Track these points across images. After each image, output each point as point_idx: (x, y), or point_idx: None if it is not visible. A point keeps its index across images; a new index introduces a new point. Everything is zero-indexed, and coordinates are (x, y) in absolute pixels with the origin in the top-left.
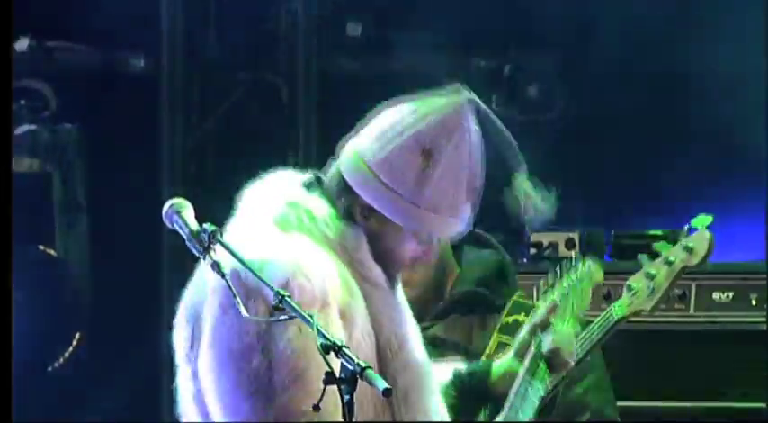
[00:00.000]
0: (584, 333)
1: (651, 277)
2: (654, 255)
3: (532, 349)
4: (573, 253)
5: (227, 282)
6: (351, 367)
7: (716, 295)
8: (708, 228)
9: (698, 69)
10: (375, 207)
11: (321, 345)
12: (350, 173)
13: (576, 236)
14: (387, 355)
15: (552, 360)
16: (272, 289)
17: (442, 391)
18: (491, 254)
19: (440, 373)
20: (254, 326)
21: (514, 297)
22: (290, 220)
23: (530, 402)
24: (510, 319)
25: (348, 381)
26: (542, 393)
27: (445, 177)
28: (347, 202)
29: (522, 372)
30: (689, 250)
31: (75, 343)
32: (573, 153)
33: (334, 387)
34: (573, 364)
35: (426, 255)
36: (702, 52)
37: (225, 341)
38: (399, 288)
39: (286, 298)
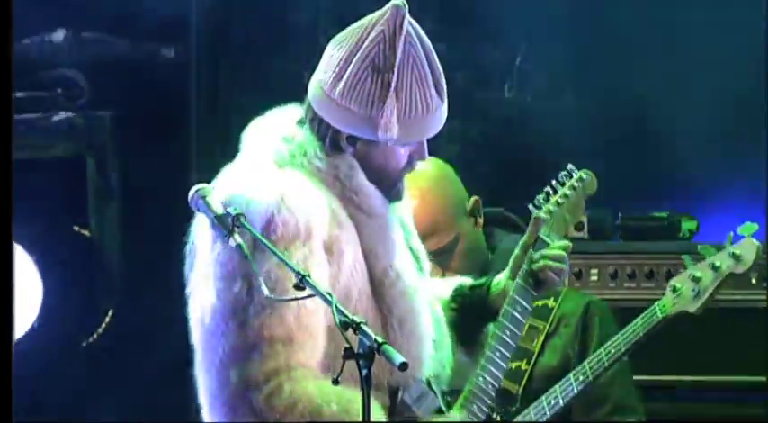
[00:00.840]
0: (625, 329)
1: (696, 280)
2: (698, 257)
3: (523, 266)
4: (582, 234)
5: (249, 258)
6: (368, 343)
7: None
8: (754, 235)
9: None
10: (344, 130)
11: (340, 322)
12: (315, 103)
13: (584, 218)
14: (383, 284)
15: (540, 277)
16: (291, 268)
17: (444, 305)
18: (509, 238)
19: (443, 288)
20: (237, 255)
21: None
22: (285, 156)
23: (516, 323)
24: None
25: (366, 355)
26: (530, 312)
27: (406, 82)
28: (330, 132)
29: (510, 290)
30: (736, 258)
31: (107, 319)
32: (579, 137)
33: (305, 311)
34: (561, 283)
35: (420, 153)
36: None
37: (210, 268)
38: (395, 217)
39: (306, 278)
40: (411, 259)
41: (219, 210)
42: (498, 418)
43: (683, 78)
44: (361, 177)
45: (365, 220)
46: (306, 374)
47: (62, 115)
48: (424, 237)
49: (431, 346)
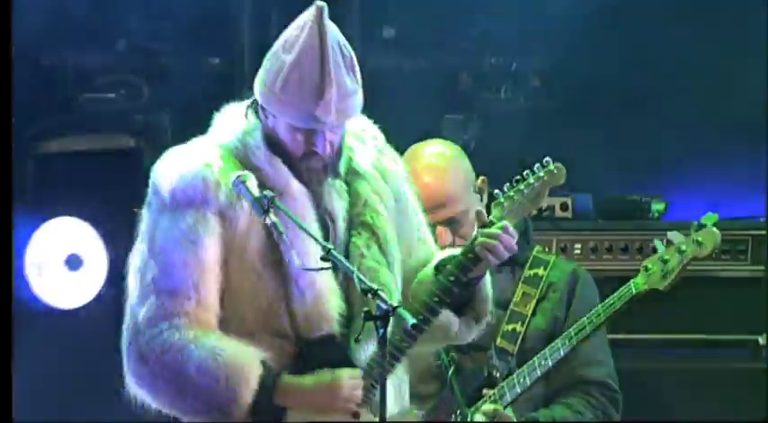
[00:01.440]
0: (605, 302)
1: (665, 262)
2: (668, 242)
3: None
4: (567, 214)
5: (283, 240)
6: (385, 306)
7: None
8: (715, 225)
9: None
10: (257, 99)
11: (360, 289)
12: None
13: (569, 200)
14: (279, 249)
15: (477, 252)
16: (317, 241)
17: (431, 274)
18: None
19: (436, 259)
20: (151, 218)
21: (534, 252)
22: (224, 134)
23: (448, 292)
24: (531, 272)
25: (382, 317)
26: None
27: (293, 65)
28: (252, 106)
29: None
30: (699, 244)
31: None
32: (566, 132)
33: (193, 270)
34: (495, 260)
35: (313, 141)
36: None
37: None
38: (303, 197)
39: (331, 251)
40: (314, 234)
41: (256, 193)
42: (497, 375)
43: (660, 74)
44: (262, 154)
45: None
46: (185, 324)
47: (125, 114)
48: (439, 206)
49: (335, 306)
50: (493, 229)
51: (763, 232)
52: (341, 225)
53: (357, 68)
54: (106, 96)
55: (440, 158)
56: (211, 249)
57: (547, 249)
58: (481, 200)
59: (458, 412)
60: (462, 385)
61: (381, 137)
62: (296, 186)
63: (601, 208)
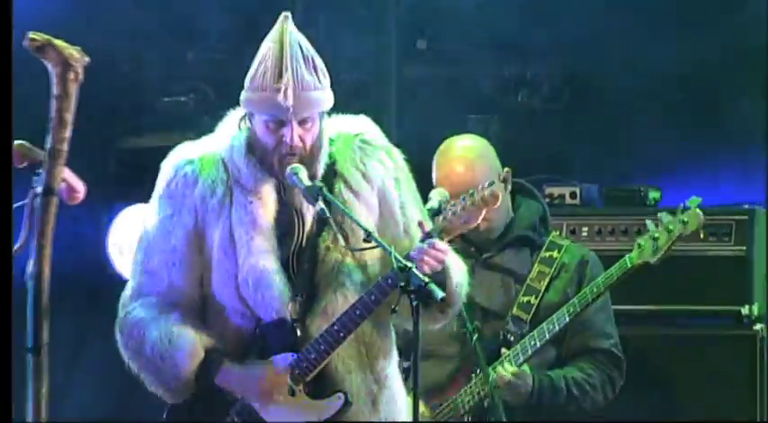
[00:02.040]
0: (604, 274)
1: (656, 240)
2: (658, 222)
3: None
4: (576, 202)
5: (329, 222)
6: (418, 282)
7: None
8: (698, 207)
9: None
10: (241, 106)
11: (398, 267)
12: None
13: (577, 190)
14: (237, 243)
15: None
16: (359, 224)
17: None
18: (536, 205)
19: None
20: (151, 206)
21: (550, 237)
22: (221, 136)
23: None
24: (547, 254)
25: (416, 291)
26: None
27: (260, 62)
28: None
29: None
30: (684, 223)
31: None
32: (574, 130)
33: (171, 256)
34: (425, 269)
35: (285, 136)
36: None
37: None
38: (270, 194)
39: (371, 234)
40: (271, 242)
41: (308, 182)
42: (512, 339)
43: (649, 67)
44: (239, 157)
45: (241, 197)
46: (153, 303)
47: (194, 115)
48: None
49: (278, 293)
50: (424, 243)
51: (746, 217)
52: (309, 219)
53: (322, 71)
54: (179, 99)
55: (469, 150)
56: (184, 239)
57: (561, 234)
58: (505, 188)
59: (478, 370)
60: (483, 348)
61: (378, 139)
62: (261, 183)
63: (605, 196)
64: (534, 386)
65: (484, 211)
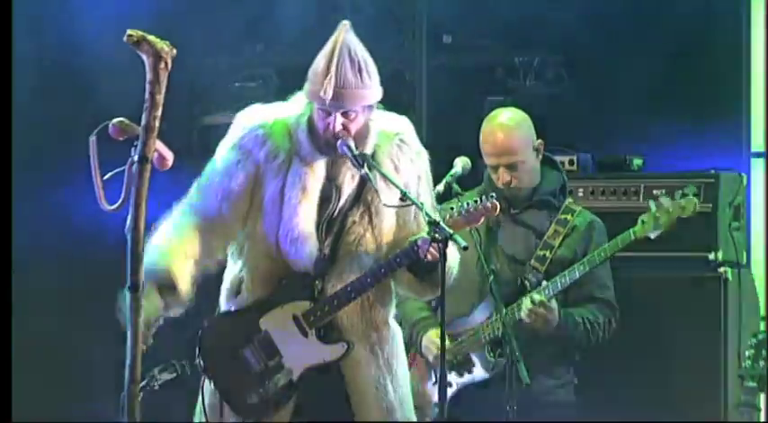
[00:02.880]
0: (610, 242)
1: (656, 219)
2: (660, 205)
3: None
4: (573, 168)
5: (369, 181)
6: (444, 233)
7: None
8: (694, 194)
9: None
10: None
11: (428, 222)
12: None
13: (574, 158)
14: (283, 202)
15: (416, 250)
16: (395, 185)
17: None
18: (558, 175)
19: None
20: (219, 145)
21: (567, 203)
22: (294, 107)
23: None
24: (562, 216)
25: (443, 240)
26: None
27: (317, 60)
28: None
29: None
30: (682, 208)
31: None
32: (573, 109)
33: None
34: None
35: (330, 127)
36: None
37: None
38: (318, 167)
39: (406, 193)
40: (313, 209)
41: (356, 151)
42: (528, 285)
43: (638, 39)
44: (302, 133)
45: (298, 166)
46: (185, 212)
47: (261, 97)
48: (504, 153)
49: (310, 251)
50: (424, 235)
51: (712, 180)
52: (344, 196)
53: (367, 73)
54: (249, 84)
55: (510, 120)
56: (243, 184)
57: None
58: (537, 156)
59: (495, 310)
60: (501, 291)
61: (413, 141)
62: (316, 158)
63: (597, 163)
64: (560, 317)
65: (483, 218)
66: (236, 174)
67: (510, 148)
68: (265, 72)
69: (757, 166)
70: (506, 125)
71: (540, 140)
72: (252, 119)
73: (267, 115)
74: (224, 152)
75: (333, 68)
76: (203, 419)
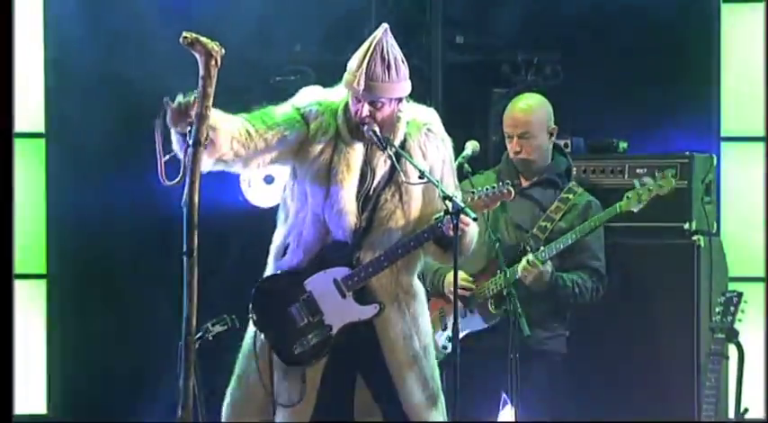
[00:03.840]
0: (600, 214)
1: (639, 195)
2: (643, 183)
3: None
4: (568, 150)
5: (394, 162)
6: (457, 206)
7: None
8: (672, 175)
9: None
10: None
11: (443, 196)
12: None
13: (568, 141)
14: (332, 185)
15: (440, 226)
16: (414, 165)
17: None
18: (565, 160)
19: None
20: (286, 109)
21: (570, 184)
22: (339, 93)
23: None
24: (565, 195)
25: (456, 212)
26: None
27: (354, 55)
28: None
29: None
30: (660, 186)
31: None
32: (568, 99)
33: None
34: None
35: (358, 113)
36: None
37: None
38: (357, 149)
39: (424, 173)
40: (354, 184)
41: (380, 134)
42: (529, 250)
43: (622, 41)
44: (342, 114)
45: (340, 144)
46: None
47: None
48: (520, 126)
49: (351, 222)
50: (445, 216)
51: (687, 161)
52: (378, 177)
53: (395, 69)
54: (289, 78)
55: (531, 102)
56: (293, 136)
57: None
58: (549, 138)
59: (499, 271)
60: (505, 254)
61: (437, 127)
62: (354, 141)
63: (588, 146)
64: (553, 277)
65: (499, 202)
66: (292, 126)
67: (525, 121)
68: (303, 68)
69: (727, 149)
70: (527, 103)
71: (554, 126)
72: (312, 94)
73: (323, 96)
74: (287, 108)
75: (365, 63)
76: (253, 361)
